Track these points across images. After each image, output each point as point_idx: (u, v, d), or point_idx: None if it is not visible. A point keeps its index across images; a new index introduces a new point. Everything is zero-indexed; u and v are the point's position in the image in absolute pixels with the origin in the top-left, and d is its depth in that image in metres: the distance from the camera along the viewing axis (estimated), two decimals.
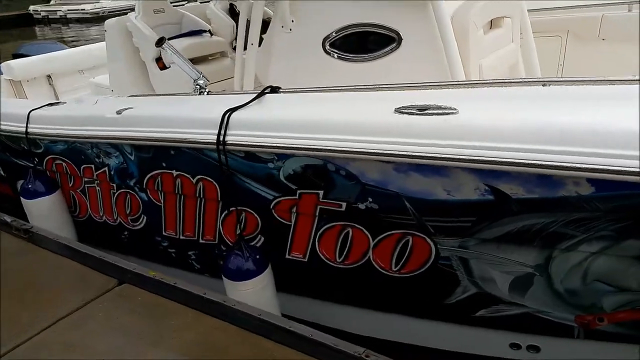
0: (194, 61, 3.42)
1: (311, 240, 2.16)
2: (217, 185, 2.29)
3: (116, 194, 2.83)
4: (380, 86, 1.96)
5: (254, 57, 2.81)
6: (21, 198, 3.09)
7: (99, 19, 25.94)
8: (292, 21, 2.67)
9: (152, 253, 2.91)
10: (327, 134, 1.76)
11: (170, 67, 3.47)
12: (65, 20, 25.92)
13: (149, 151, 2.43)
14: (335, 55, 2.54)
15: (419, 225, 1.74)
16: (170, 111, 2.35)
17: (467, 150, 1.43)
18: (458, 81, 1.99)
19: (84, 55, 5.09)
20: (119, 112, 2.51)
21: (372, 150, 1.62)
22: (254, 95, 2.18)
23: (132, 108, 2.52)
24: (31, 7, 28.07)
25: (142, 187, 2.64)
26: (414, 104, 1.61)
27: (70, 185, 3.07)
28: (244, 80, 2.84)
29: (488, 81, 1.68)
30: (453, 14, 2.26)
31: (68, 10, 26.32)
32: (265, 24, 2.78)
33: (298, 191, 2.01)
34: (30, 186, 3.02)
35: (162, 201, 2.62)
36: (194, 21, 3.90)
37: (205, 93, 2.49)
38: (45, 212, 3.05)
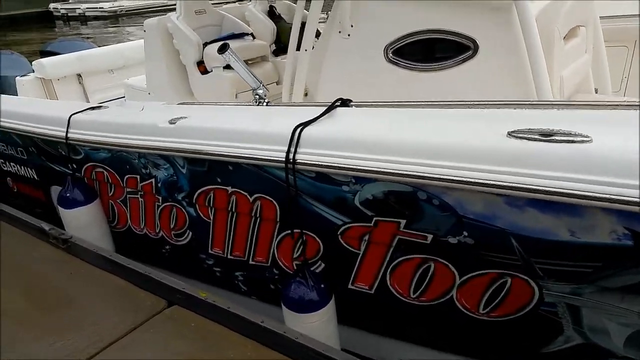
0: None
1: (381, 271, 1.99)
2: (276, 205, 2.13)
3: (161, 207, 2.68)
4: (470, 103, 1.79)
5: (306, 64, 2.66)
6: (58, 207, 2.94)
7: (116, 17, 26.13)
8: (352, 26, 2.53)
9: (195, 270, 2.75)
10: (421, 158, 1.58)
11: (212, 71, 3.33)
12: (83, 18, 26.10)
13: (203, 165, 2.27)
14: (399, 64, 2.39)
15: (525, 267, 1.55)
16: (230, 123, 2.19)
17: (609, 188, 1.24)
18: (578, 101, 1.80)
19: (115, 54, 4.97)
20: (172, 122, 2.36)
21: (481, 180, 1.44)
22: (322, 108, 2.03)
23: (186, 118, 2.37)
24: (51, 5, 28.34)
25: (191, 201, 2.48)
26: (531, 127, 1.43)
27: (110, 194, 2.92)
28: (294, 90, 2.69)
29: (613, 103, 1.49)
30: (536, 18, 2.08)
31: (87, 8, 26.51)
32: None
33: (374, 218, 1.83)
34: (68, 194, 2.87)
35: (211, 217, 2.46)
36: (235, 23, 3.75)
37: (265, 104, 2.34)
38: (83, 222, 2.90)
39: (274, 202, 2.12)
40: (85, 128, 2.78)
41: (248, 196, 2.19)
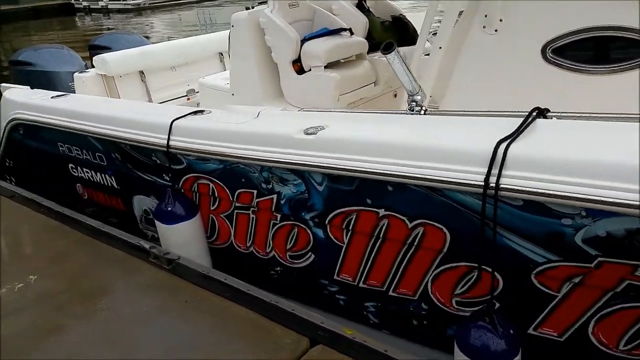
0: (330, 65, 2.97)
1: (585, 317, 1.66)
2: (447, 233, 1.81)
3: (278, 225, 2.37)
4: None
5: (437, 64, 2.34)
6: (156, 222, 2.65)
7: (139, 9, 25.92)
8: (501, 20, 2.20)
9: (311, 296, 2.45)
10: None
11: (310, 70, 3.01)
12: (106, 10, 25.95)
13: (350, 183, 1.96)
14: (562, 65, 2.06)
15: None
16: (388, 135, 1.88)
17: None
18: None
19: (177, 50, 4.67)
20: (310, 133, 2.05)
21: None
22: (501, 119, 1.71)
23: (325, 128, 2.05)
24: None
25: (322, 222, 2.17)
26: None
27: (213, 208, 2.62)
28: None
29: None
30: None
31: (109, 0, 26.34)
32: None
33: (598, 259, 1.51)
34: (169, 208, 2.57)
35: (345, 241, 2.15)
36: (328, 17, 3.42)
37: (422, 112, 2.02)
38: (183, 239, 2.61)
39: (445, 229, 1.80)
40: (191, 135, 2.48)
41: (407, 221, 1.88)
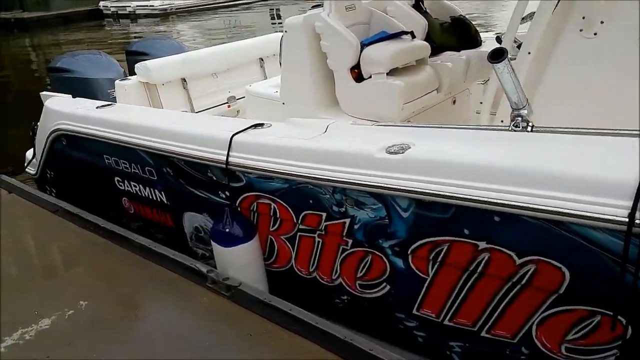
0: (389, 72, 2.74)
1: None
2: (567, 274, 1.56)
3: (348, 252, 2.16)
4: None
5: (524, 72, 2.09)
6: (213, 243, 2.46)
7: (167, 15, 26.15)
8: (602, 22, 1.95)
9: (382, 328, 2.22)
10: None
11: (371, 77, 2.79)
12: (134, 16, 26.24)
13: (445, 211, 1.73)
14: None
15: None
16: (494, 157, 1.64)
17: None
18: None
19: (219, 56, 4.51)
20: (394, 152, 1.83)
21: None
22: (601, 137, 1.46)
23: (411, 146, 1.83)
24: (101, 3, 28.66)
25: (403, 251, 1.94)
26: None
27: (273, 229, 2.42)
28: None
29: None
30: None
31: (137, 6, 26.66)
32: None
33: None
34: (227, 229, 2.38)
35: (430, 273, 1.92)
36: (385, 20, 3.18)
37: (529, 129, 1.77)
38: (241, 262, 2.41)
39: (564, 268, 1.55)
40: (253, 152, 2.29)
41: (515, 256, 1.64)
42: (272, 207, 2.33)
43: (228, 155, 2.34)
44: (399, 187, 1.78)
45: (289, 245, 2.42)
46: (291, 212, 2.26)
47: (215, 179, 2.52)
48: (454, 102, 3.21)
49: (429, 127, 2.12)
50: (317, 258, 2.31)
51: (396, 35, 2.99)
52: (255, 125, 2.44)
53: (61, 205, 3.31)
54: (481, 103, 2.65)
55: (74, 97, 3.98)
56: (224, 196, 2.55)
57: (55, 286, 2.52)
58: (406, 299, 2.06)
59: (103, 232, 2.92)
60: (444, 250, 1.81)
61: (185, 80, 4.31)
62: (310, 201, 2.14)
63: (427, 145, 1.83)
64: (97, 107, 3.31)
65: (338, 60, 2.82)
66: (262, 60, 4.86)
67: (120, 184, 3.26)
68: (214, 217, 2.69)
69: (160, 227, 3.19)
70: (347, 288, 2.27)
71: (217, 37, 17.26)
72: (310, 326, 2.01)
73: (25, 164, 4.08)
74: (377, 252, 2.05)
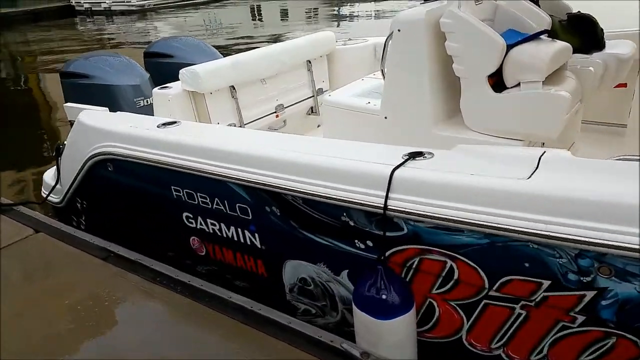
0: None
1: None
2: None
3: (573, 330, 1.60)
4: None
5: None
6: (357, 311, 1.84)
7: (144, 11, 24.91)
8: None
9: None
10: None
11: (518, 85, 2.27)
12: (109, 13, 24.89)
13: None
14: None
15: None
16: None
17: None
18: None
19: (268, 59, 3.88)
20: None
21: None
22: None
23: None
24: None
25: None
26: None
27: (438, 291, 1.84)
28: None
29: None
30: None
31: (112, 2, 25.34)
32: None
33: None
34: (383, 295, 1.77)
35: None
36: (511, 16, 2.66)
37: None
38: (397, 337, 1.82)
39: None
40: (427, 193, 1.70)
41: None
42: (448, 266, 1.75)
43: (387, 196, 1.75)
44: None
45: (462, 312, 1.84)
46: (482, 275, 1.69)
47: (353, 224, 1.92)
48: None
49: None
50: (511, 333, 1.75)
51: (537, 35, 2.47)
52: (413, 155, 1.85)
53: (111, 249, 2.62)
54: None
55: (91, 105, 3.31)
56: (361, 246, 1.96)
57: None
58: None
59: (182, 289, 2.27)
60: None
61: (234, 88, 3.68)
62: (526, 264, 1.57)
63: None
64: (158, 126, 2.65)
65: (473, 65, 2.28)
66: (309, 62, 4.27)
67: (191, 221, 2.60)
68: (335, 269, 2.12)
69: (243, 274, 2.56)
70: None
71: (199, 34, 16.40)
72: None
73: (48, 192, 3.35)
74: (629, 337, 1.51)
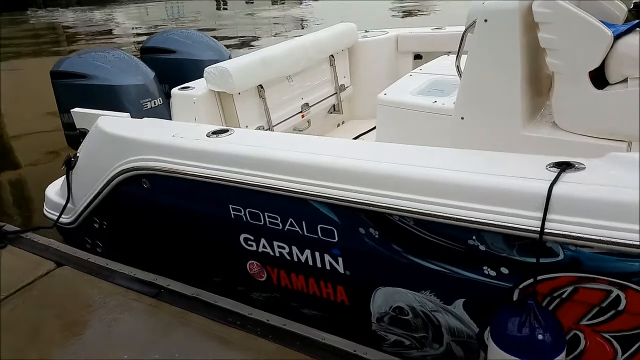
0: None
1: None
2: None
3: None
4: None
5: None
6: (496, 349, 1.54)
7: (104, 2, 23.54)
8: None
9: None
10: None
11: (625, 81, 2.04)
12: (65, 4, 23.35)
13: None
14: None
15: None
16: None
17: None
18: None
19: (295, 54, 3.52)
20: None
21: None
22: None
23: None
24: None
25: None
26: None
27: (590, 322, 1.58)
28: None
29: None
30: None
31: None
32: None
33: None
34: (538, 335, 1.48)
35: None
36: (596, 5, 2.43)
37: None
38: None
39: None
40: (589, 214, 1.42)
41: None
42: (614, 295, 1.49)
43: (544, 218, 1.46)
44: None
45: (618, 344, 1.59)
46: None
47: (484, 249, 1.63)
48: None
49: None
50: None
51: (635, 27, 2.24)
52: (560, 166, 1.57)
53: (159, 283, 2.20)
54: None
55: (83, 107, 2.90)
56: (492, 274, 1.66)
57: None
58: None
59: (261, 330, 1.90)
60: None
61: (262, 88, 3.30)
62: None
63: None
64: (208, 135, 2.25)
65: (573, 59, 2.03)
66: (332, 57, 3.93)
67: (251, 243, 2.24)
68: (447, 298, 1.83)
69: (316, 301, 2.23)
70: None
71: (162, 26, 15.61)
72: None
73: (59, 214, 2.87)
74: None
